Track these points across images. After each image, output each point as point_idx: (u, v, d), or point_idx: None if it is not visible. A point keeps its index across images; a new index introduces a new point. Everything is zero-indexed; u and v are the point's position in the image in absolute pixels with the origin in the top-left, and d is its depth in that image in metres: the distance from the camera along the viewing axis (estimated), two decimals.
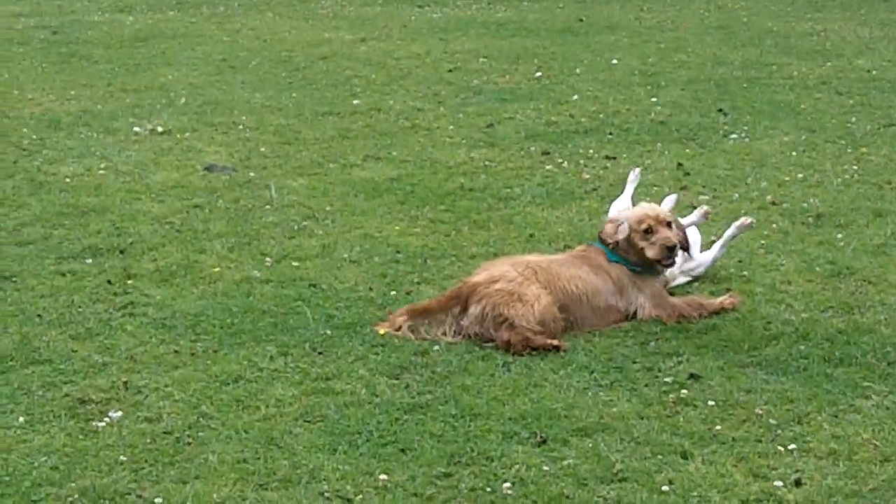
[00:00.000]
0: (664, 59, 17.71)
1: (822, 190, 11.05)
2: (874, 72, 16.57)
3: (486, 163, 12.03)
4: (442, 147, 12.67)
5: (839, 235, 9.70)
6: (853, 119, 13.76)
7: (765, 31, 20.33)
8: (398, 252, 9.43)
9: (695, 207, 10.26)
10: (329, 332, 7.88)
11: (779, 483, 6.05)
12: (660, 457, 6.33)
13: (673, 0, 24.46)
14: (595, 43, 19.04)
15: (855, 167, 11.74)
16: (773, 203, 10.63)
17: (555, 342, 7.56)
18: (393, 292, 8.57)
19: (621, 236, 8.06)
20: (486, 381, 7.19)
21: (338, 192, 11.07)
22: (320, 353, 7.59)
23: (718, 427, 6.59)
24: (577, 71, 16.77)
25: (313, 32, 20.29)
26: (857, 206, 10.51)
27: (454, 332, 7.78)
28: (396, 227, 10.03)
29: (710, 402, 6.86)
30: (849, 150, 12.38)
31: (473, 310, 7.75)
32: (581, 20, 21.67)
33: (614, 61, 17.49)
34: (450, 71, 16.79)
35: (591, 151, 12.40)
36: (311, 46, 18.92)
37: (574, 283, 7.94)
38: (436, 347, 7.63)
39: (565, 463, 6.27)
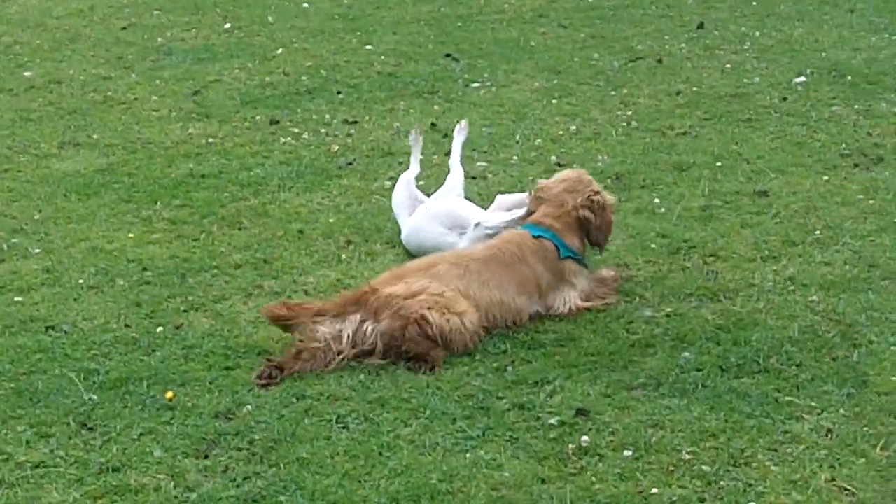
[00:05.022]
0: None
1: (604, 143, 9.82)
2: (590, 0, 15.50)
3: (209, 140, 10.29)
4: (149, 123, 10.83)
5: (655, 200, 8.47)
6: (595, 56, 12.64)
7: None
8: (144, 269, 7.67)
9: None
10: (94, 396, 6.12)
11: None
12: None
13: None
14: None
15: (629, 112, 10.56)
16: (560, 164, 9.31)
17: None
18: (160, 328, 6.84)
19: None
20: (325, 449, 5.60)
21: (42, 194, 9.14)
22: (91, 430, 5.84)
23: (654, 490, 5.19)
24: (270, 19, 15.06)
25: None
26: (653, 161, 9.32)
27: (351, 343, 6.30)
28: (130, 235, 8.23)
29: (626, 452, 5.44)
30: (611, 93, 11.20)
31: (387, 324, 6.28)
32: None
33: (305, 5, 15.86)
34: (124, 28, 14.80)
35: (327, 116, 10.81)
36: None
37: (489, 306, 6.59)
38: (245, 407, 5.95)
39: None
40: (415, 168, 8.16)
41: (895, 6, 14.60)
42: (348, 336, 6.28)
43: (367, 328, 6.31)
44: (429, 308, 6.33)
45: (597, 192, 7.02)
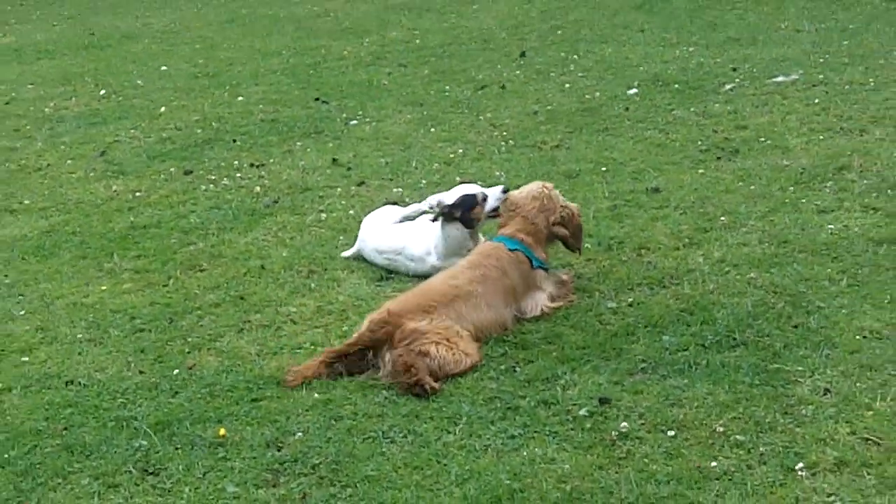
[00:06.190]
0: (208, 57, 15.54)
1: (492, 161, 9.49)
2: (414, 41, 15.13)
3: (136, 194, 9.58)
4: (72, 185, 10.05)
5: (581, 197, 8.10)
6: (446, 88, 12.28)
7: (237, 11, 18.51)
8: (133, 318, 7.01)
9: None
10: (143, 441, 5.47)
11: None
12: None
13: (175, 1, 22.10)
14: (125, 54, 16.52)
15: (504, 133, 10.23)
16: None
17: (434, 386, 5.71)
18: (175, 371, 6.22)
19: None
20: (386, 464, 5.13)
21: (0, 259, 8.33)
22: (154, 474, 5.23)
23: (710, 463, 4.84)
24: (139, 82, 14.29)
25: None
26: (544, 172, 9.01)
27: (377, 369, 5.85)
28: (103, 288, 7.54)
29: (666, 432, 5.10)
30: (478, 118, 10.86)
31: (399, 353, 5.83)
32: (93, 34, 18.91)
33: (164, 67, 15.11)
34: (7, 104, 13.81)
35: (236, 162, 10.20)
36: None
37: (489, 329, 6.18)
38: (296, 435, 5.40)
39: None
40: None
41: (676, 23, 14.63)
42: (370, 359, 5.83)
43: (385, 355, 5.84)
44: (436, 343, 5.87)
45: (565, 207, 6.67)
